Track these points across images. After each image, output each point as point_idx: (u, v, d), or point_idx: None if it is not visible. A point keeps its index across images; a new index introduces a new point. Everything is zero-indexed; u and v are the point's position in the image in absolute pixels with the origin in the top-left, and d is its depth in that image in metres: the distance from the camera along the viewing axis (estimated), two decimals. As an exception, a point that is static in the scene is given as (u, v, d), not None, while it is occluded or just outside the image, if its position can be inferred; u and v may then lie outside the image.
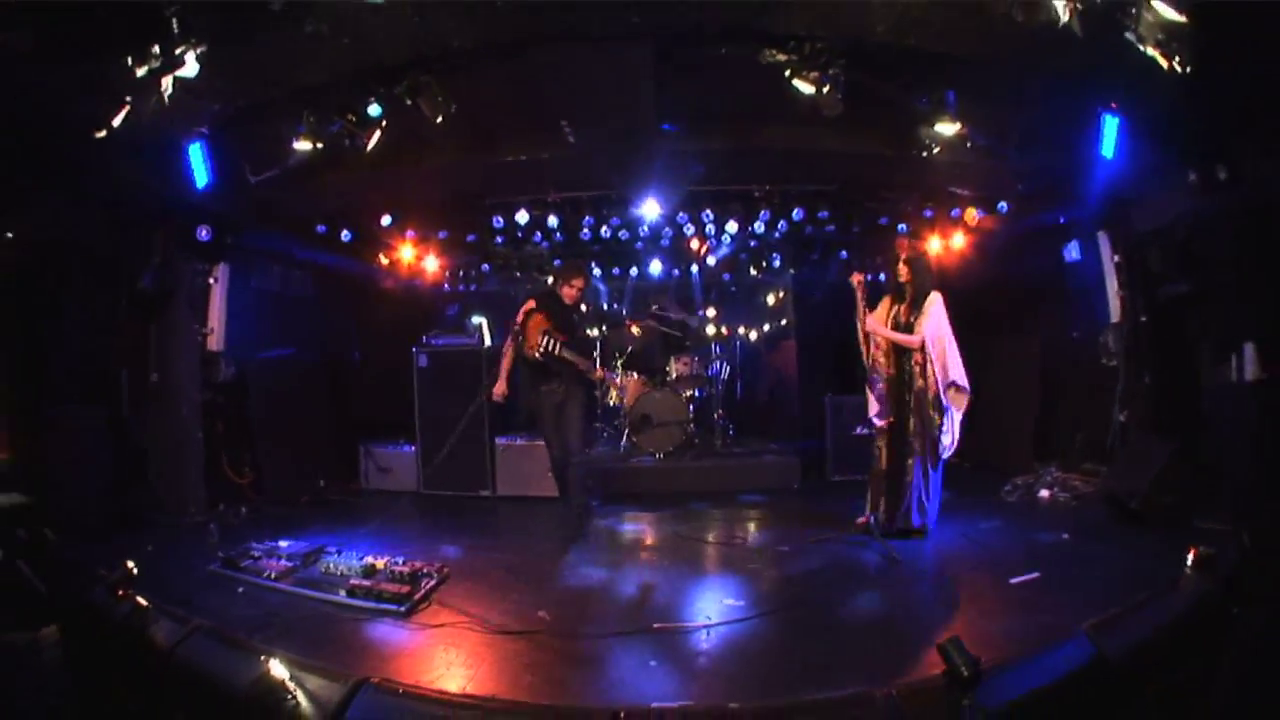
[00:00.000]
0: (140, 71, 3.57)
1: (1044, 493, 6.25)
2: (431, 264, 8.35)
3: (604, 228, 7.16)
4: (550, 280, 5.74)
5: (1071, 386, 6.96)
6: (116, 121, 3.76)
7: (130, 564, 3.44)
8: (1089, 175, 5.35)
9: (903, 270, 5.36)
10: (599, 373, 5.45)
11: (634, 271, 9.22)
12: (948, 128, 5.01)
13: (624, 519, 6.54)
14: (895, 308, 5.40)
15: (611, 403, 8.47)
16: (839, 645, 3.70)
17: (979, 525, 5.61)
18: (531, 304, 5.54)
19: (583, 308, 6.00)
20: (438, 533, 6.13)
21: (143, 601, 3.20)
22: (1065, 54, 4.16)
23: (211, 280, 6.08)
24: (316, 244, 7.07)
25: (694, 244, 8.06)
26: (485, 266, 8.90)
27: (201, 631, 3.20)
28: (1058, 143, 5.34)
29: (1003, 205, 6.49)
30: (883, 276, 8.61)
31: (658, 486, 7.36)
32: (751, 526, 6.24)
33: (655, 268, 9.04)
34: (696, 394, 8.28)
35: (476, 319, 8.35)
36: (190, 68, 3.63)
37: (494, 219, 6.91)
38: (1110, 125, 4.90)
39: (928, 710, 2.65)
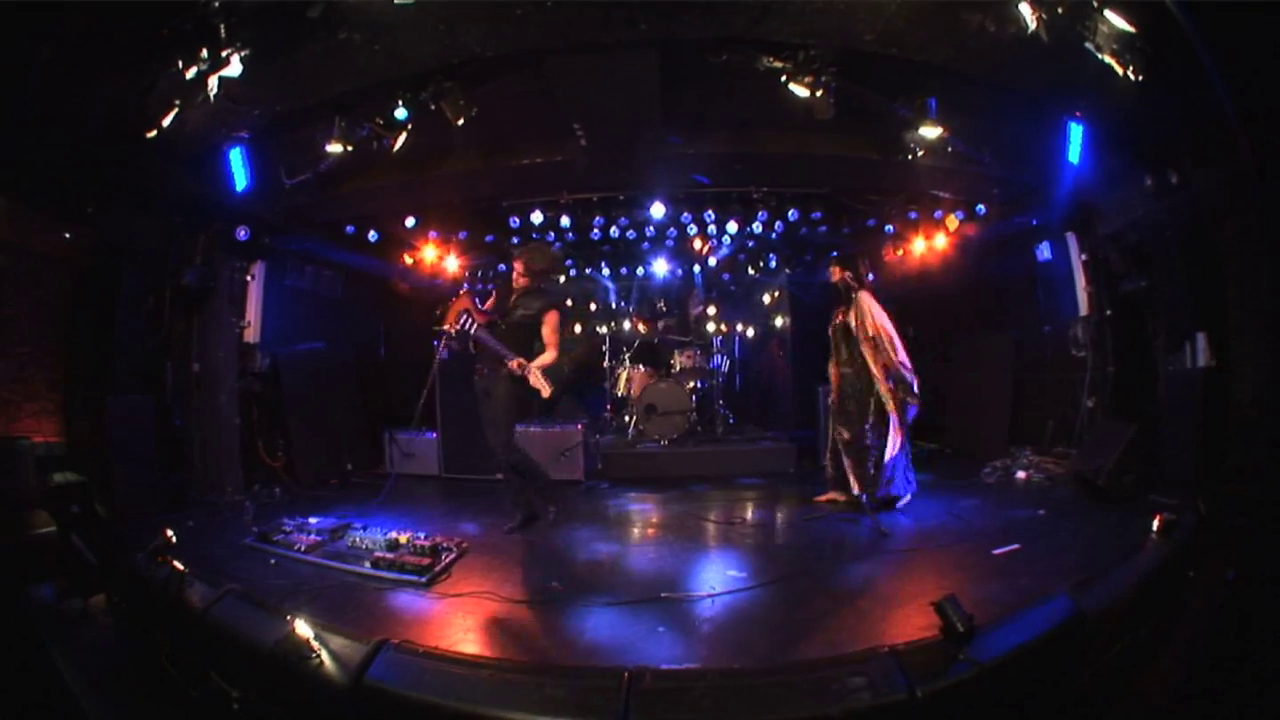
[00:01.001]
0: (190, 73, 3.53)
1: (1020, 474, 6.19)
2: (452, 264, 8.29)
3: (613, 228, 7.09)
4: None
5: (1043, 377, 6.94)
6: (166, 122, 3.72)
7: (169, 532, 3.41)
8: (1057, 180, 5.34)
9: (835, 272, 5.48)
10: (513, 363, 4.68)
11: (640, 271, 9.16)
12: (931, 131, 4.95)
13: (631, 500, 6.48)
14: (837, 311, 5.53)
15: (619, 392, 8.40)
16: (837, 611, 3.65)
17: (961, 503, 5.55)
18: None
19: (573, 313, 5.63)
20: (457, 512, 6.07)
21: (179, 566, 3.16)
22: (1034, 65, 4.17)
23: (249, 278, 6.05)
24: (346, 245, 7.04)
25: (697, 243, 7.99)
26: (502, 266, 8.85)
27: (233, 594, 3.18)
28: (1029, 150, 5.31)
29: (981, 208, 6.43)
30: (871, 276, 8.61)
31: (663, 470, 7.30)
32: (750, 506, 6.17)
33: (661, 268, 8.96)
34: (699, 385, 8.23)
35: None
36: (234, 68, 3.58)
37: (510, 219, 6.85)
38: (1075, 133, 4.89)
39: (927, 665, 2.64)
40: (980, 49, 4.14)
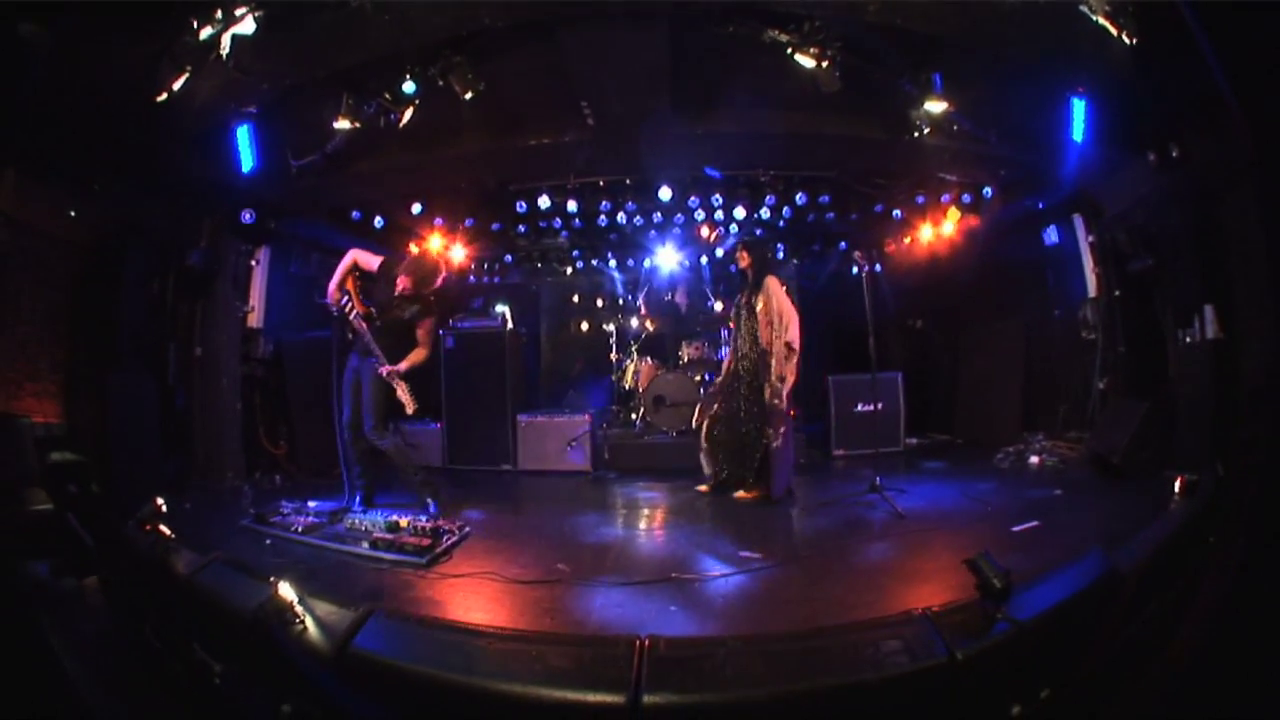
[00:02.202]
0: (204, 33, 3.43)
1: (1034, 459, 6.03)
2: (458, 254, 8.14)
3: (620, 214, 6.93)
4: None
5: (1054, 362, 6.79)
6: (177, 85, 3.60)
7: (159, 500, 3.27)
8: (1063, 160, 5.23)
9: (743, 256, 5.47)
10: (383, 369, 4.74)
11: (647, 264, 8.98)
12: (936, 106, 4.81)
13: (640, 488, 6.34)
14: (740, 295, 5.54)
15: (626, 385, 8.24)
16: (858, 585, 3.54)
17: (976, 487, 5.39)
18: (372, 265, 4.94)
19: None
20: (461, 500, 5.85)
21: (166, 531, 3.00)
22: (1034, 34, 4.08)
23: (254, 262, 5.93)
24: (351, 232, 6.87)
25: (704, 230, 7.82)
26: (508, 258, 8.71)
27: (219, 561, 3.07)
28: (1034, 130, 5.18)
29: (987, 191, 6.27)
30: (879, 267, 8.44)
31: (671, 461, 7.08)
32: None
33: (668, 259, 8.77)
34: (706, 377, 8.04)
35: (500, 308, 8.11)
36: (248, 25, 3.48)
37: (518, 204, 6.71)
38: (1078, 109, 4.77)
39: (964, 626, 2.53)
40: (981, 17, 4.05)
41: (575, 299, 10.11)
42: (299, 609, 2.76)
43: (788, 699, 2.48)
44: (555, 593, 3.58)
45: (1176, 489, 3.26)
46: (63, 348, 4.72)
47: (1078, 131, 4.70)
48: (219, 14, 3.35)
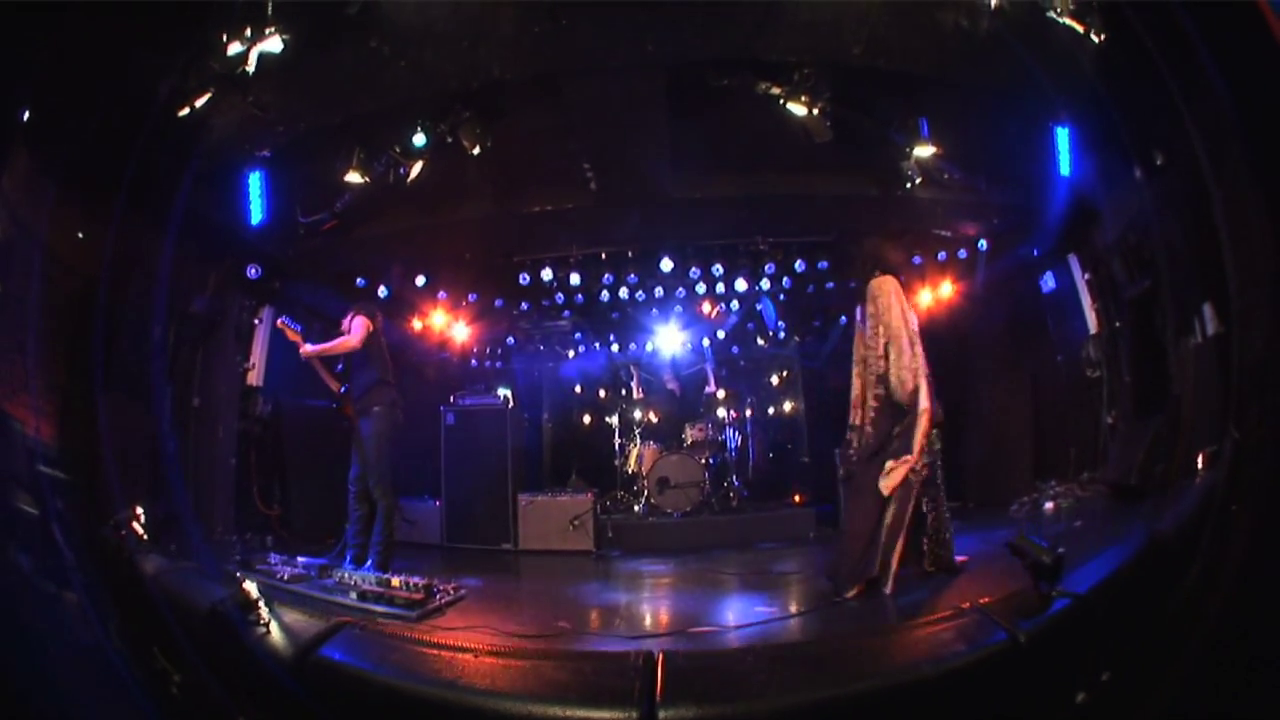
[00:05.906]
0: (233, 48, 3.54)
1: (1049, 505, 5.73)
2: (460, 332, 8.12)
3: (622, 288, 6.98)
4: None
5: (1061, 408, 6.57)
6: (199, 103, 3.69)
7: (139, 508, 3.04)
8: (1053, 199, 5.25)
9: None
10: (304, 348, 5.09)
11: (650, 348, 8.96)
12: (924, 150, 4.93)
13: (646, 563, 6.03)
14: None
15: (630, 469, 8.01)
16: (887, 627, 3.45)
17: (993, 535, 5.05)
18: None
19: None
20: (458, 570, 5.57)
21: (139, 530, 2.77)
22: (1009, 63, 4.15)
23: (256, 320, 5.88)
24: (356, 302, 6.85)
25: (706, 306, 7.85)
26: (510, 340, 8.68)
27: (190, 570, 2.88)
28: (1022, 173, 5.27)
29: (983, 244, 6.31)
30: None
31: (677, 540, 6.80)
32: (773, 561, 5.74)
33: (670, 341, 8.76)
34: (711, 460, 7.82)
35: (503, 391, 8.01)
36: (275, 43, 3.59)
37: (521, 277, 6.78)
38: (1062, 139, 4.85)
39: (1021, 610, 2.44)
40: (959, 51, 4.18)
41: (578, 389, 9.99)
42: (264, 611, 2.58)
43: (834, 704, 2.22)
44: (558, 644, 3.37)
45: (1200, 463, 3.12)
46: (61, 373, 4.56)
47: (1064, 165, 4.76)
48: (248, 30, 3.48)
